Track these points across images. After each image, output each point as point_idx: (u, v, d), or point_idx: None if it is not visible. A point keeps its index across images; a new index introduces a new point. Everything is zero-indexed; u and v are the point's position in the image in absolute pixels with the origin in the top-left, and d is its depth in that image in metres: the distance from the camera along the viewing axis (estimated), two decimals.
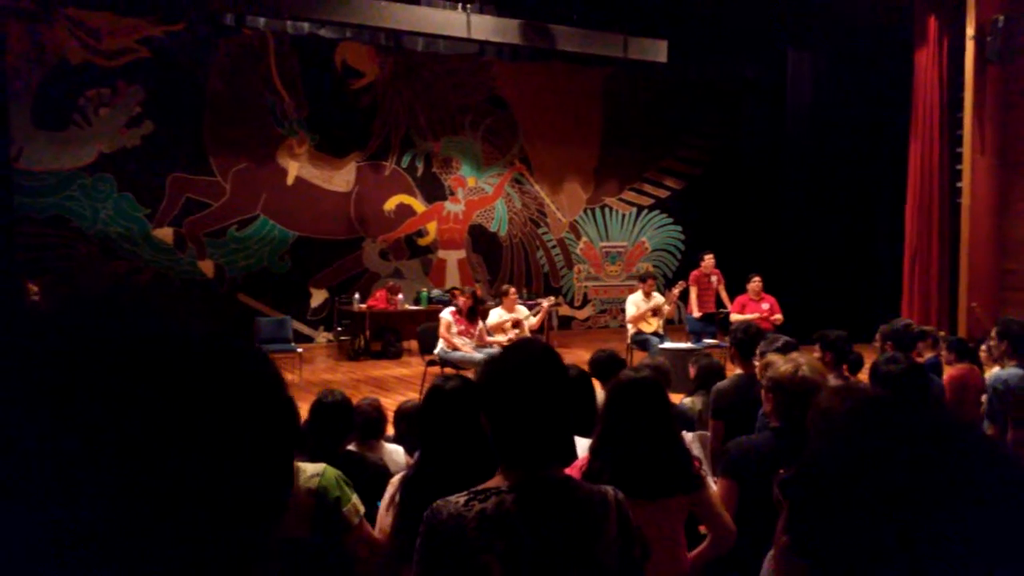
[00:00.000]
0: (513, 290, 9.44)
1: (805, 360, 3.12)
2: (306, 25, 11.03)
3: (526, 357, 1.82)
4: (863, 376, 5.37)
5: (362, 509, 2.56)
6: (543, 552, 1.70)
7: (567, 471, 2.62)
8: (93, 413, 0.52)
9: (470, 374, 5.13)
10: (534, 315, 9.45)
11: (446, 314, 8.70)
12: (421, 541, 1.77)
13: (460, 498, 1.76)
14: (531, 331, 9.20)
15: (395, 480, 2.73)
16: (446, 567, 1.72)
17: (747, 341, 4.85)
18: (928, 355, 6.40)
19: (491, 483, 1.81)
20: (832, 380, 4.68)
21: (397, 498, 2.58)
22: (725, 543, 2.72)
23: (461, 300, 8.80)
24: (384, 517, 2.61)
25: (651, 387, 2.68)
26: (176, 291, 11.47)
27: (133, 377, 0.54)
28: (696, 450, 3.43)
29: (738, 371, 4.93)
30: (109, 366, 0.54)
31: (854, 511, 0.74)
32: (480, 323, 8.82)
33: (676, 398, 5.01)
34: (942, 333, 6.77)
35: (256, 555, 0.59)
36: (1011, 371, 5.00)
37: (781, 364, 3.12)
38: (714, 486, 3.24)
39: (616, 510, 1.79)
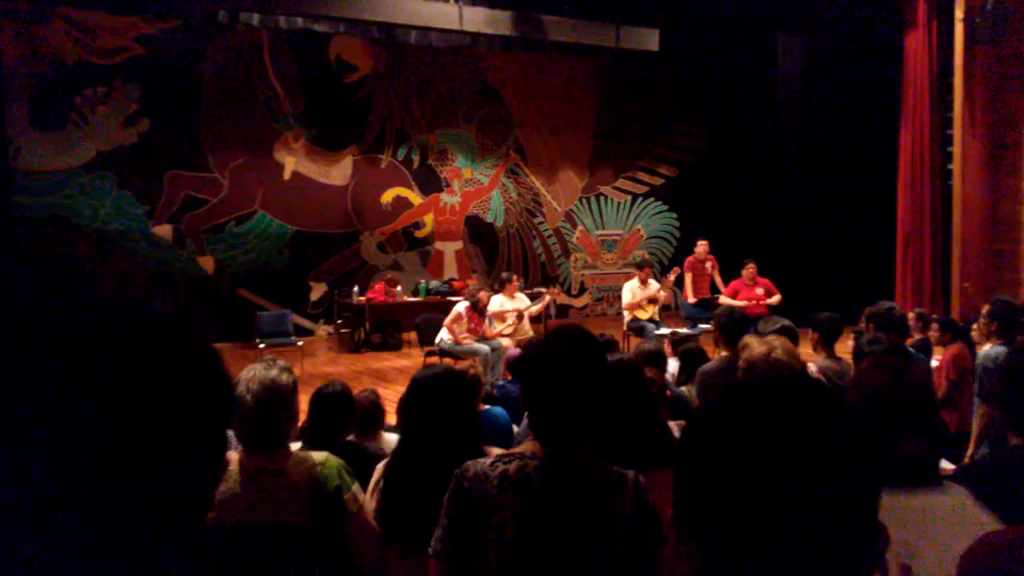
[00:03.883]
0: (516, 278, 9.54)
1: (780, 343, 3.20)
2: (300, 20, 11.09)
3: (566, 342, 1.93)
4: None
5: (362, 498, 2.64)
6: (556, 515, 1.82)
7: None
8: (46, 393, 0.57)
9: (464, 364, 5.21)
10: (535, 304, 9.55)
11: (461, 307, 8.77)
12: (448, 496, 1.90)
13: (488, 460, 1.91)
14: (530, 318, 9.33)
15: (380, 466, 2.85)
16: (467, 520, 1.85)
17: (731, 325, 4.87)
18: (918, 336, 6.52)
19: (520, 449, 1.94)
20: (821, 361, 4.80)
21: (382, 484, 2.70)
22: None
23: (482, 294, 8.87)
24: (368, 502, 2.72)
25: (626, 369, 2.79)
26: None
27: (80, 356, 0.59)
28: None
29: (723, 354, 5.01)
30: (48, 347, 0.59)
31: (722, 475, 0.79)
32: (485, 321, 8.95)
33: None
34: (914, 312, 6.83)
35: (182, 532, 0.64)
36: (998, 349, 5.07)
37: (756, 346, 3.21)
38: None
39: (634, 490, 1.89)
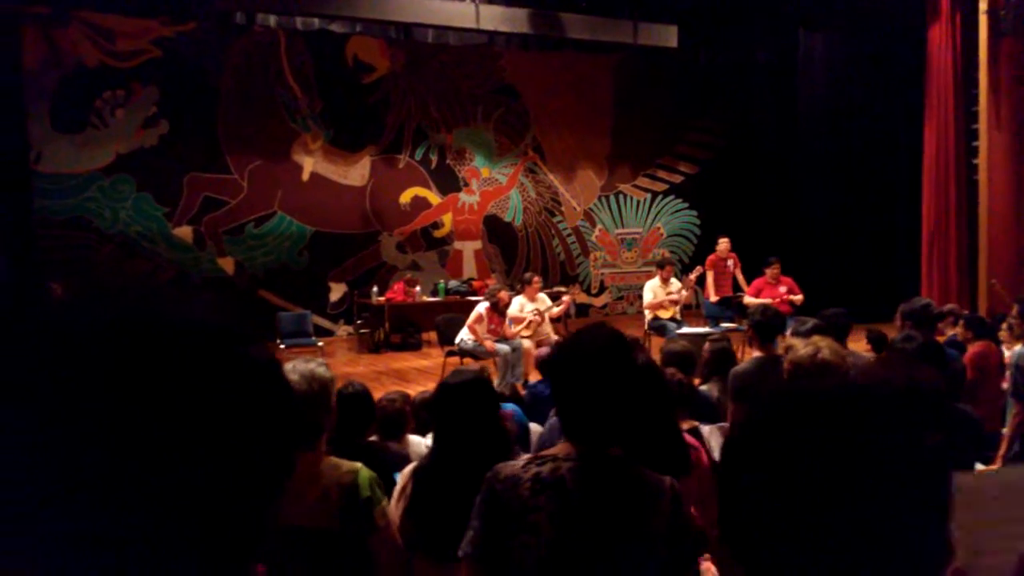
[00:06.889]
0: (537, 279, 9.46)
1: (826, 343, 3.14)
2: (316, 21, 11.08)
3: (595, 341, 1.89)
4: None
5: (390, 513, 2.61)
6: (592, 518, 1.77)
7: None
8: (100, 402, 0.56)
9: (478, 365, 5.15)
10: (556, 306, 9.49)
11: (482, 308, 8.76)
12: (480, 498, 1.87)
13: (520, 462, 1.87)
14: (551, 319, 9.28)
15: (407, 471, 2.79)
16: (499, 524, 1.81)
17: (765, 323, 4.78)
18: (949, 333, 6.42)
19: (553, 451, 1.89)
20: None
21: (409, 488, 2.65)
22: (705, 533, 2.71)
23: (502, 295, 8.83)
24: (394, 508, 2.66)
25: (644, 372, 2.71)
26: (195, 288, 11.59)
27: (140, 366, 0.58)
28: (715, 441, 3.41)
29: (756, 354, 4.91)
30: (117, 355, 0.58)
31: (769, 492, 0.73)
32: (505, 321, 8.92)
33: (697, 383, 5.01)
34: (945, 309, 6.74)
35: (250, 538, 0.63)
36: None
37: (801, 347, 3.15)
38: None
39: (671, 497, 1.84)
